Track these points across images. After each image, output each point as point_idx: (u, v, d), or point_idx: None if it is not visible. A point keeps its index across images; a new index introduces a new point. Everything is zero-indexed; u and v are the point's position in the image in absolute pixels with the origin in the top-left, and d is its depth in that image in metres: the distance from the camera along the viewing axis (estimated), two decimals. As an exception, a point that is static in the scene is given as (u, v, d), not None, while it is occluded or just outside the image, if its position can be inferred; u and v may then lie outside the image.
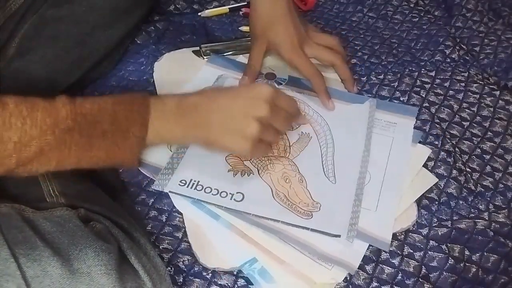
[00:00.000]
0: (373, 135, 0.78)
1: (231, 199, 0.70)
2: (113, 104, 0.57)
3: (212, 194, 0.70)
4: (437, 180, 0.75)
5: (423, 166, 0.76)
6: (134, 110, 0.58)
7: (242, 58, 0.90)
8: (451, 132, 0.81)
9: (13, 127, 0.50)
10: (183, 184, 0.71)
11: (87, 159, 0.56)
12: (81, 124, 0.55)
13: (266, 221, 0.69)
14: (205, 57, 0.90)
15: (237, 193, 0.71)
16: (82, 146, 0.55)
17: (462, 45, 0.94)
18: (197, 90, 0.67)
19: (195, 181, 0.71)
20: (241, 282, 0.65)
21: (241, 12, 1.01)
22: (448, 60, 0.92)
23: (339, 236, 0.67)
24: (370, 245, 0.68)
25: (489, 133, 0.82)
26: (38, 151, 0.52)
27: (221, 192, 0.70)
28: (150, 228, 0.70)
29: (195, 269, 0.66)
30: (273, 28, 0.83)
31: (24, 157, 0.52)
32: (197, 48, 0.91)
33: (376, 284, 0.66)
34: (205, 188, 0.71)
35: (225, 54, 0.91)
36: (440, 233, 0.70)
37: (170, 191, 0.71)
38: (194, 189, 0.71)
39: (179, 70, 0.88)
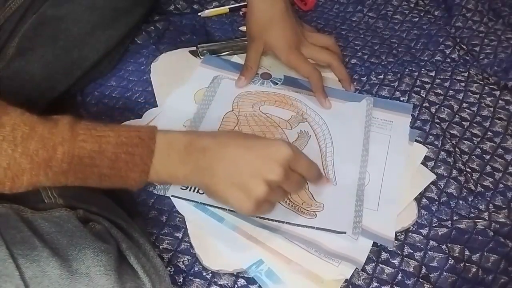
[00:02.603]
0: (370, 134, 0.78)
1: None
2: (115, 145, 0.54)
3: None
4: (434, 176, 0.75)
5: (423, 166, 0.76)
6: (137, 154, 0.55)
7: (237, 58, 0.90)
8: (451, 132, 0.81)
9: (2, 153, 0.49)
10: (185, 188, 0.71)
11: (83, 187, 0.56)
12: (77, 167, 0.52)
13: (271, 222, 0.69)
14: (202, 57, 0.90)
15: None
16: (78, 183, 0.54)
17: (462, 45, 0.94)
18: (212, 131, 0.63)
19: None
20: (241, 282, 0.65)
21: (241, 12, 1.01)
22: (448, 60, 0.92)
23: (344, 233, 0.67)
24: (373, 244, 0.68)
25: (489, 133, 0.82)
26: (30, 185, 0.51)
27: None
28: (150, 228, 0.70)
29: (195, 269, 0.66)
30: (270, 29, 0.83)
31: (18, 187, 0.51)
32: (194, 48, 0.91)
33: (376, 284, 0.66)
34: None
35: (221, 54, 0.91)
36: (440, 233, 0.70)
37: (172, 196, 0.71)
38: (197, 192, 0.70)
39: (176, 71, 0.88)
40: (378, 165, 0.75)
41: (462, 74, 0.90)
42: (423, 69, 0.90)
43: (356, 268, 0.66)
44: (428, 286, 0.66)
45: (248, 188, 0.58)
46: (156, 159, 0.56)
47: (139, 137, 0.56)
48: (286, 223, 0.68)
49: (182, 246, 0.68)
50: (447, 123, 0.82)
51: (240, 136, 0.64)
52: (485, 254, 0.69)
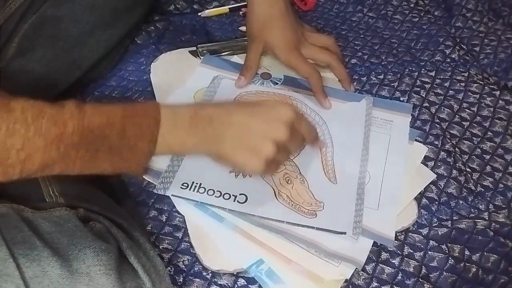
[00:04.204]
0: (370, 133, 0.78)
1: (234, 200, 0.70)
2: (122, 117, 0.55)
3: (215, 196, 0.70)
4: (435, 176, 0.75)
5: (423, 165, 0.76)
6: (144, 124, 0.56)
7: (237, 58, 0.90)
8: (451, 132, 0.81)
9: (16, 134, 0.49)
10: (185, 187, 0.71)
11: (91, 170, 0.55)
12: (88, 139, 0.52)
13: (271, 222, 0.69)
14: (201, 57, 0.90)
15: (240, 194, 0.70)
16: (88, 159, 0.53)
17: (462, 45, 0.94)
18: (215, 102, 0.64)
19: (197, 183, 0.71)
20: (241, 282, 0.65)
21: (241, 12, 1.01)
22: (448, 60, 0.92)
23: (344, 233, 0.67)
24: (373, 244, 0.68)
25: (489, 133, 0.82)
26: (42, 165, 0.51)
27: (224, 194, 0.70)
28: (150, 228, 0.70)
29: (195, 269, 0.66)
30: (270, 29, 0.83)
31: (28, 169, 0.51)
32: (194, 48, 0.91)
33: (376, 284, 0.66)
34: (207, 191, 0.70)
35: (221, 54, 0.91)
36: (440, 233, 0.70)
37: (172, 195, 0.71)
38: (197, 191, 0.70)
39: (176, 71, 0.88)
40: (378, 164, 0.75)
41: (462, 74, 0.90)
42: (423, 69, 0.90)
43: (356, 268, 0.66)
44: (428, 286, 0.66)
45: (258, 149, 0.60)
46: (163, 129, 0.57)
47: (144, 109, 0.57)
48: (286, 222, 0.68)
49: (182, 246, 0.68)
50: (447, 123, 0.83)
51: (243, 104, 0.70)
52: (485, 254, 0.69)
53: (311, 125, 0.68)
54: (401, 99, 0.85)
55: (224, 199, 0.70)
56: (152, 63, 0.89)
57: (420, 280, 0.66)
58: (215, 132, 0.60)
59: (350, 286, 0.65)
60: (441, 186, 0.75)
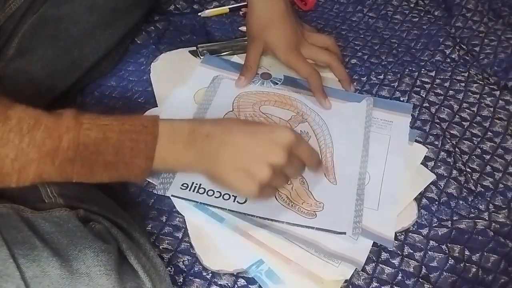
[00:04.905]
0: (370, 134, 0.78)
1: (234, 201, 0.70)
2: (119, 132, 0.54)
3: (214, 196, 0.70)
4: (434, 176, 0.75)
5: (423, 166, 0.76)
6: (141, 140, 0.55)
7: (237, 58, 0.90)
8: (451, 132, 0.81)
9: (9, 144, 0.49)
10: (185, 188, 0.71)
11: (89, 181, 0.55)
12: (83, 155, 0.52)
13: (271, 222, 0.69)
14: (201, 57, 0.90)
15: None
16: (84, 174, 0.54)
17: (462, 45, 0.94)
18: (214, 118, 0.64)
19: (196, 184, 0.71)
20: (241, 282, 0.65)
21: (241, 12, 1.01)
22: (448, 60, 0.92)
23: (344, 233, 0.67)
24: (373, 244, 0.68)
25: (489, 133, 0.82)
26: (37, 176, 0.51)
27: (224, 194, 0.70)
28: (150, 228, 0.70)
29: (195, 269, 0.66)
30: (270, 29, 0.83)
31: (24, 179, 0.51)
32: (194, 48, 0.91)
33: (376, 284, 0.66)
34: (207, 191, 0.70)
35: (221, 54, 0.91)
36: (440, 233, 0.70)
37: (172, 195, 0.71)
38: (197, 192, 0.70)
39: (176, 71, 0.88)
40: (378, 165, 0.75)
41: (462, 74, 0.90)
42: (423, 69, 0.90)
43: (356, 268, 0.66)
44: (428, 286, 0.66)
45: (252, 172, 0.59)
46: (160, 145, 0.56)
47: (142, 125, 0.56)
48: (286, 223, 0.68)
49: (182, 246, 0.68)
50: (447, 123, 0.83)
51: (242, 122, 0.67)
52: (485, 254, 0.69)
53: (313, 149, 0.66)
54: (401, 99, 0.85)
55: (224, 199, 0.70)
56: (152, 63, 0.89)
57: (420, 280, 0.66)
58: (211, 151, 0.59)
59: (350, 286, 0.65)
60: (441, 186, 0.75)
